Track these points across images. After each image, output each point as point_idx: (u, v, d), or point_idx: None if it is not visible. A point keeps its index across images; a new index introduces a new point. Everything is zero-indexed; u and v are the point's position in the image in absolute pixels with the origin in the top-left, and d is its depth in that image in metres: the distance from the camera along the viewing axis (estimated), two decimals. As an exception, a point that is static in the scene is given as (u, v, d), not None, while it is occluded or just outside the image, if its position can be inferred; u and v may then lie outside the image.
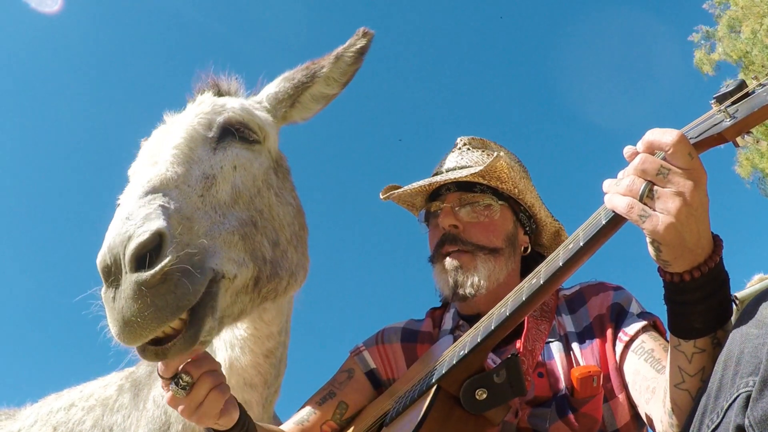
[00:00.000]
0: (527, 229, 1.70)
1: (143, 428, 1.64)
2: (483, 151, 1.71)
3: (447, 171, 1.68)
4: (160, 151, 1.30)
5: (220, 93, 1.63)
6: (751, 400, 0.82)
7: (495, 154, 1.57)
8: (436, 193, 1.71)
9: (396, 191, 1.76)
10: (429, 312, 1.76)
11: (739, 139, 0.88)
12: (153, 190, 1.13)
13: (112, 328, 1.05)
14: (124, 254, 1.02)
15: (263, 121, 1.51)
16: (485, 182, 1.62)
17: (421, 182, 1.69)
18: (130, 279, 1.02)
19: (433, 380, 1.20)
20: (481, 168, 1.55)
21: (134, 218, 1.06)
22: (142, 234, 1.02)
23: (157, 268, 1.01)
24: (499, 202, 1.63)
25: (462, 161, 1.69)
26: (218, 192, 1.26)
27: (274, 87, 1.66)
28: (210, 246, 1.14)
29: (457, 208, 1.63)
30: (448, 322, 1.68)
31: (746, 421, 0.82)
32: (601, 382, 1.31)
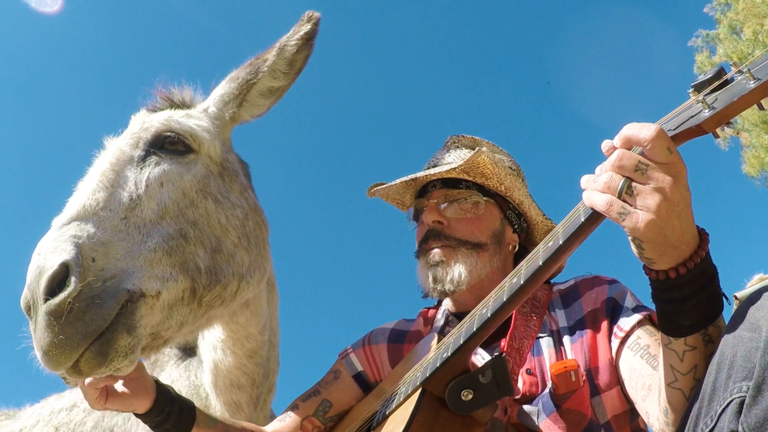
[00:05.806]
0: (516, 227, 1.67)
1: (143, 429, 1.65)
2: (471, 149, 1.68)
3: (433, 167, 1.66)
4: (90, 178, 1.35)
5: (173, 105, 1.61)
6: (744, 406, 0.80)
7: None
8: (424, 191, 1.70)
9: (380, 187, 1.75)
10: (422, 311, 1.74)
11: (719, 131, 0.84)
12: (69, 221, 1.19)
13: (37, 357, 1.12)
14: (38, 289, 1.09)
15: (194, 129, 1.47)
16: (470, 178, 1.60)
17: (403, 178, 1.68)
18: (41, 311, 1.08)
19: (418, 383, 1.18)
20: (460, 163, 1.53)
21: (44, 253, 1.12)
22: (50, 268, 1.08)
23: (60, 297, 1.07)
24: (485, 199, 1.61)
25: (448, 158, 1.67)
26: (143, 211, 1.28)
27: (221, 89, 1.63)
28: (128, 267, 1.17)
29: (442, 205, 1.61)
30: (439, 320, 1.66)
31: (740, 428, 0.80)
32: (583, 377, 1.28)
